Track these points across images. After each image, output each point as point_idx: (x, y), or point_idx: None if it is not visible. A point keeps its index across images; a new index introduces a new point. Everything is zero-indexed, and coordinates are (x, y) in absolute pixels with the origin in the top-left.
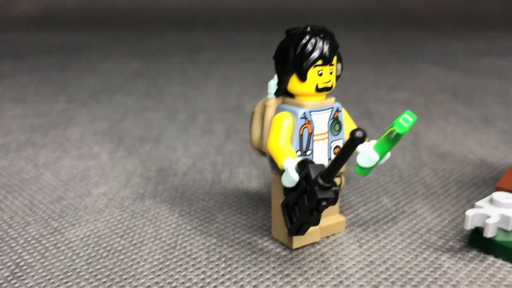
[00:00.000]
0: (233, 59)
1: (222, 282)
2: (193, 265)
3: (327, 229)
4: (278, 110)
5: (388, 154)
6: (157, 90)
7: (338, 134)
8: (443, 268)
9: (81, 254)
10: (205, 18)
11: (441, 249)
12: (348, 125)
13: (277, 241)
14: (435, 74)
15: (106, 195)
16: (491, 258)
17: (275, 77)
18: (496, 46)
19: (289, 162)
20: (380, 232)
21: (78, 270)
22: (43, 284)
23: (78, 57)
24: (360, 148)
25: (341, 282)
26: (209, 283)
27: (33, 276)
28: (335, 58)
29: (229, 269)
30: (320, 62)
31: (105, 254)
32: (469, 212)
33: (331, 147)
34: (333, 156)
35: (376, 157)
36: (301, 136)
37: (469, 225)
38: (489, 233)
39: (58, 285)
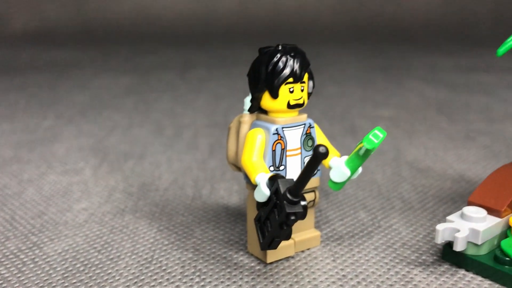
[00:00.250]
0: (223, 75)
1: None
2: (167, 279)
3: (302, 243)
4: (252, 126)
5: (360, 169)
6: (146, 106)
7: (311, 149)
8: (414, 282)
9: (58, 269)
10: (197, 35)
11: (413, 263)
12: (321, 140)
13: (252, 255)
14: (421, 90)
15: (87, 210)
16: (462, 272)
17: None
18: (484, 62)
19: (261, 177)
20: (355, 246)
21: (54, 284)
22: None
23: (69, 74)
24: (332, 163)
25: None
26: None
27: None
28: (306, 76)
29: (202, 283)
30: (291, 79)
31: (82, 268)
32: (440, 227)
33: (304, 162)
34: None
35: (347, 172)
36: (274, 151)
37: (440, 239)
38: (458, 247)
39: None
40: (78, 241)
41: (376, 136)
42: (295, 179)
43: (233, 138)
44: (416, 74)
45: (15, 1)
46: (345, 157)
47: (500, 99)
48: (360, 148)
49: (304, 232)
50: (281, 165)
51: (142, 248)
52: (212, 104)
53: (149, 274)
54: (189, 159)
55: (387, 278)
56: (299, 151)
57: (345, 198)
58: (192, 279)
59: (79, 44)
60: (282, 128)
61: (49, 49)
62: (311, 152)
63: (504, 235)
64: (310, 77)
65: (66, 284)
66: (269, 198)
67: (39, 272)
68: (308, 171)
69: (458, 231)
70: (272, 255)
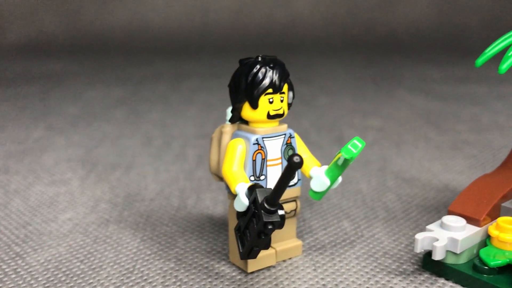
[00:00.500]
0: (215, 86)
1: None
2: None
3: (284, 252)
4: (234, 136)
5: (340, 179)
6: (137, 117)
7: None
8: None
9: (40, 279)
10: (191, 46)
11: (394, 272)
12: (302, 150)
13: (234, 265)
14: (411, 101)
15: (72, 220)
16: (441, 281)
17: None
18: (474, 73)
19: (240, 187)
20: (337, 255)
21: None
22: None
23: (62, 85)
24: (313, 173)
25: None
26: None
27: None
28: (285, 86)
29: None
30: (270, 90)
31: (63, 278)
32: (419, 236)
33: None
34: None
35: (327, 182)
36: (254, 161)
37: (419, 248)
38: (437, 256)
39: None
40: (61, 251)
41: (354, 146)
42: (270, 188)
43: (215, 148)
44: (407, 84)
45: (10, 13)
46: (325, 167)
47: (489, 109)
48: (339, 158)
49: (286, 242)
50: (261, 175)
51: (124, 258)
52: (203, 115)
53: (130, 284)
54: (176, 169)
55: (367, 287)
56: (279, 161)
57: (329, 208)
58: None
59: (73, 55)
60: (263, 138)
61: (42, 60)
62: None
63: (483, 244)
64: (290, 88)
65: None
66: (248, 208)
67: (20, 282)
68: (284, 180)
69: (437, 240)
70: (253, 265)
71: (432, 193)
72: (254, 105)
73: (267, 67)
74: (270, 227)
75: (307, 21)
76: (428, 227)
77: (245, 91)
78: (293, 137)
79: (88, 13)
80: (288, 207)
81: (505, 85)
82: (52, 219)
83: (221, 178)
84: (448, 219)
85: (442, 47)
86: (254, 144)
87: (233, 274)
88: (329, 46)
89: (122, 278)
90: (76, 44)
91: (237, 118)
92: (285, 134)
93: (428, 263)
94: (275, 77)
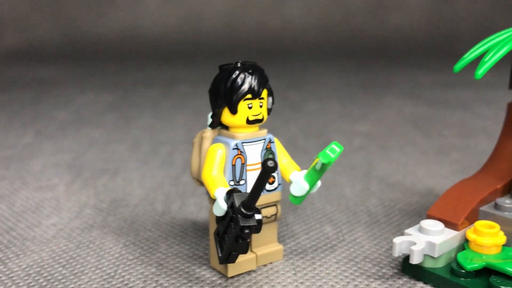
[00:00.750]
0: (206, 92)
1: None
2: None
3: (264, 257)
4: (214, 141)
5: (319, 183)
6: (126, 122)
7: None
8: None
9: (21, 284)
10: (183, 52)
11: (373, 276)
12: (282, 155)
13: (214, 269)
14: (399, 106)
15: (56, 225)
16: (420, 284)
17: None
18: (463, 78)
19: (219, 192)
20: (317, 260)
21: None
22: None
23: (53, 91)
24: (292, 177)
25: None
26: None
27: None
28: (265, 92)
29: None
30: (249, 95)
31: (44, 283)
32: (397, 240)
33: None
34: (267, 186)
35: (306, 186)
36: (233, 166)
37: (397, 252)
38: (414, 260)
39: None
40: (43, 256)
41: (332, 151)
42: (247, 192)
43: (196, 153)
44: (396, 90)
45: (2, 19)
46: (305, 171)
47: (476, 114)
48: (317, 163)
49: (267, 246)
50: (241, 180)
51: (106, 263)
52: (192, 120)
53: None
54: (162, 175)
55: None
56: (259, 165)
57: (313, 212)
58: None
59: (65, 61)
60: (242, 143)
61: (34, 66)
62: None
63: (461, 248)
64: (269, 94)
65: None
66: (226, 212)
67: (1, 287)
68: (259, 184)
69: (415, 244)
70: (233, 269)
71: (415, 197)
72: (233, 111)
73: (246, 73)
74: (246, 231)
75: (299, 28)
76: (407, 231)
77: (224, 96)
78: (273, 142)
79: (81, 20)
80: (268, 211)
81: (493, 90)
82: (36, 225)
83: (202, 183)
84: (426, 223)
85: (432, 52)
86: (233, 149)
87: (214, 278)
88: (320, 52)
89: (103, 283)
90: (68, 50)
91: (217, 123)
92: (264, 139)
93: (407, 267)
94: (254, 83)
